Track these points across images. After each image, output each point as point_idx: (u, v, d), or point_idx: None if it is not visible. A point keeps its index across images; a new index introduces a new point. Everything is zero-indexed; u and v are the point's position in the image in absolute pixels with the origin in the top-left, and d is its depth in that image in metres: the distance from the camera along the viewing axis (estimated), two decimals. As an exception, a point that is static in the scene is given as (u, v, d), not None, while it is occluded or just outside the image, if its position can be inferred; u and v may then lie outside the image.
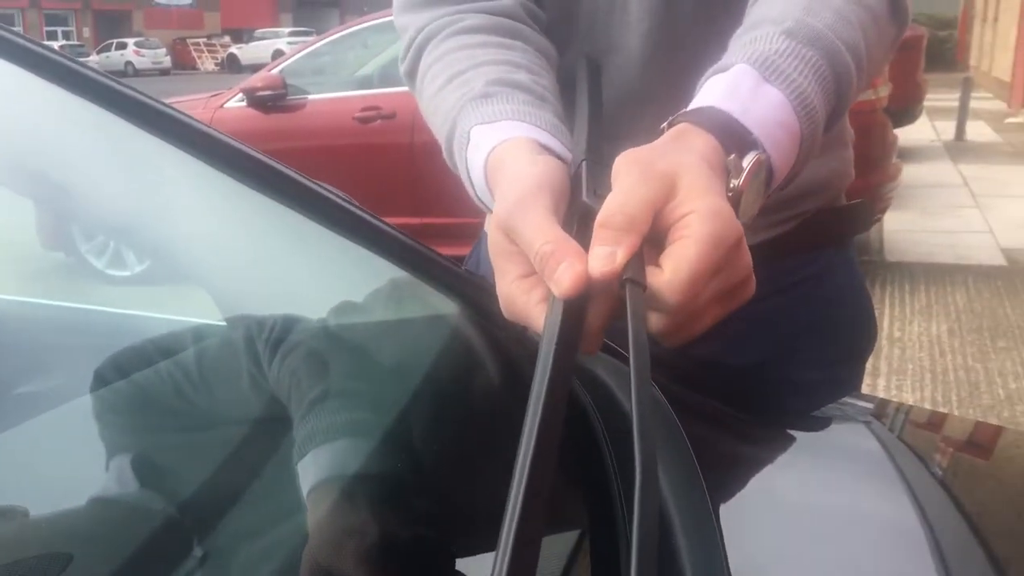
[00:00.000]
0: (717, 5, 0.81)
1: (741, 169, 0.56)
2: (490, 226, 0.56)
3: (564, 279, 0.48)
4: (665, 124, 0.59)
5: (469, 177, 0.66)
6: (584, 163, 0.58)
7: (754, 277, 0.53)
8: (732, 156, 0.56)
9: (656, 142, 0.56)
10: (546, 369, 0.45)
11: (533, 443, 0.42)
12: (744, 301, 0.54)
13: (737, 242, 0.51)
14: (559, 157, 0.61)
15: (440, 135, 0.70)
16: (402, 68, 0.81)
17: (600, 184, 0.56)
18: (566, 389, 0.46)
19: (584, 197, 0.56)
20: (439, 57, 0.74)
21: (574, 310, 0.49)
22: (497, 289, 0.55)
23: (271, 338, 0.74)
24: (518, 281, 0.53)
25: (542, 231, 0.51)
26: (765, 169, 0.57)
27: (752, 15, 0.67)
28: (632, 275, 0.49)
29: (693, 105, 0.59)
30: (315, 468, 0.64)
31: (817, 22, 0.62)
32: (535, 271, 0.52)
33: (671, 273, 0.49)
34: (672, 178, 0.51)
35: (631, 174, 0.51)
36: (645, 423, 0.43)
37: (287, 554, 0.55)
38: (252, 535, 0.60)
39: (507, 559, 0.38)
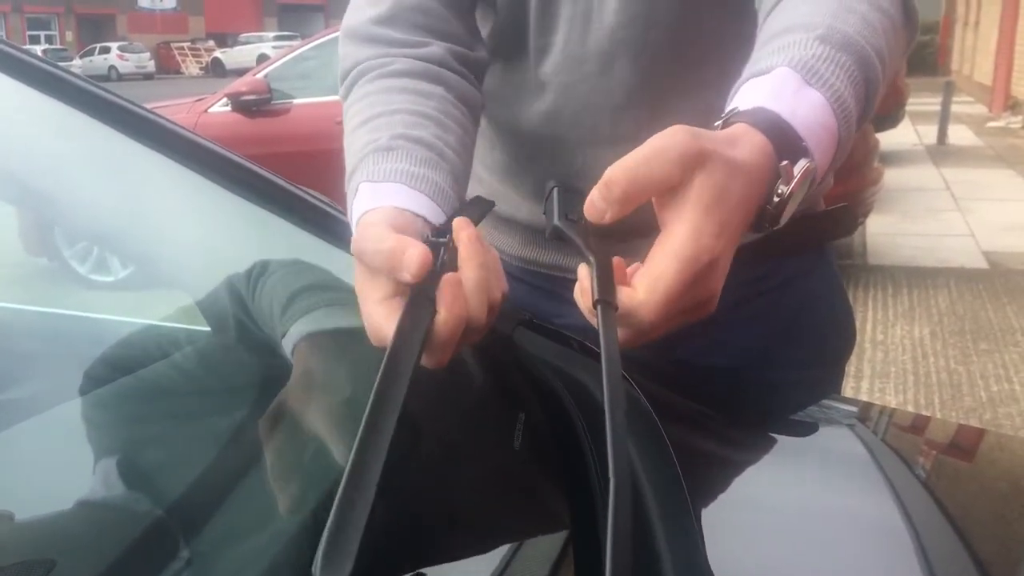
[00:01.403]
0: (695, 12, 0.82)
1: (792, 176, 0.56)
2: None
3: (412, 263, 0.53)
4: (719, 123, 0.59)
5: (351, 224, 0.68)
6: (556, 189, 0.60)
7: (717, 298, 0.55)
8: (785, 162, 0.56)
9: (717, 133, 0.56)
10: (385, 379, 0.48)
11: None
12: (701, 318, 0.55)
13: (710, 263, 0.52)
14: (428, 220, 0.64)
15: (347, 170, 0.72)
16: (340, 92, 0.84)
17: (572, 209, 0.57)
18: (398, 401, 0.47)
19: (556, 221, 0.57)
20: (362, 97, 0.77)
21: (417, 321, 0.52)
22: (362, 314, 0.58)
23: (252, 277, 0.78)
24: (376, 305, 0.56)
25: (381, 238, 0.56)
26: (812, 175, 0.58)
27: (776, 21, 0.66)
28: (603, 295, 0.49)
29: (743, 105, 0.59)
30: (297, 331, 0.69)
31: (848, 28, 0.62)
32: (394, 294, 0.56)
33: (646, 294, 0.51)
34: (702, 163, 0.52)
35: (672, 148, 0.52)
36: (619, 444, 0.43)
37: (276, 553, 0.55)
38: (241, 535, 0.60)
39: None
